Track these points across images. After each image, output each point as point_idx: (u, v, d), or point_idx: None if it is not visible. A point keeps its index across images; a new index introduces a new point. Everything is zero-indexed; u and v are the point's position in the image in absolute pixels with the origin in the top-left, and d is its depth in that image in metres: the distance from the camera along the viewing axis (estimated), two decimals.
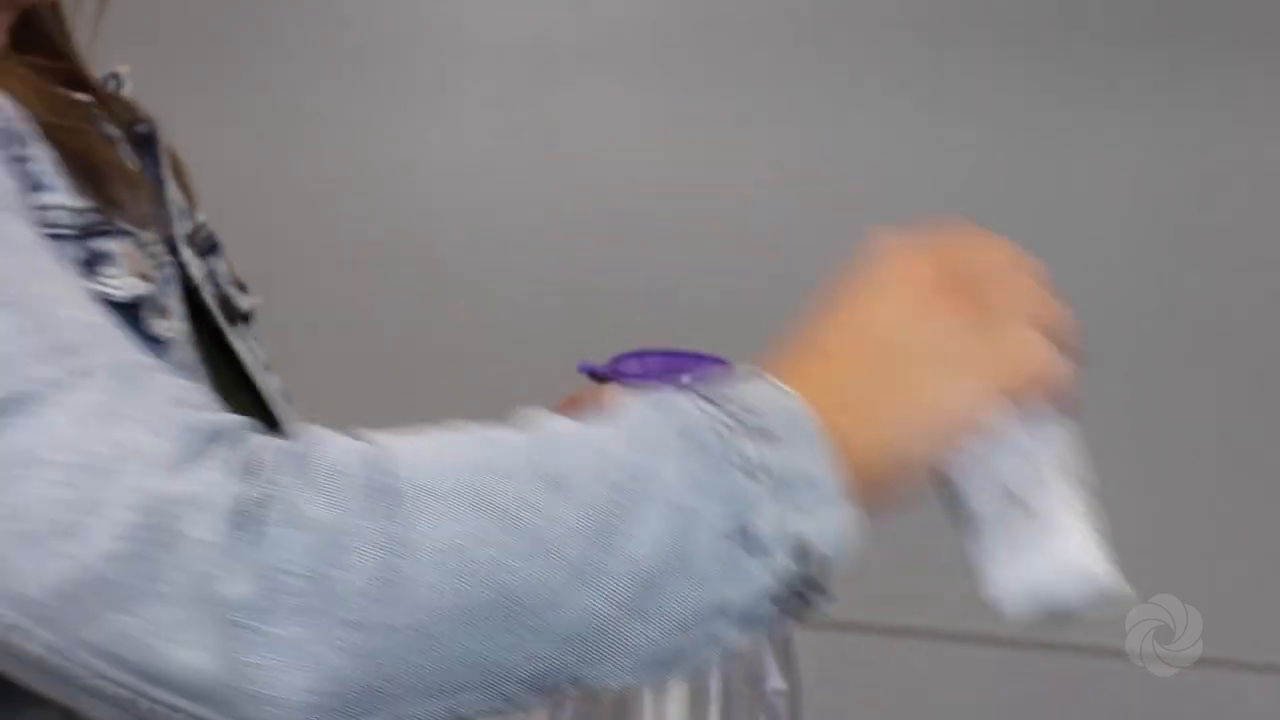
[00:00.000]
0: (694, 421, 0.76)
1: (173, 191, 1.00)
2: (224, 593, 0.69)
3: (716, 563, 0.75)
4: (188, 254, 0.97)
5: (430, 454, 0.75)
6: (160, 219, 0.96)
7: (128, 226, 0.88)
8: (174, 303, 0.91)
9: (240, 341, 1.01)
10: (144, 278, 0.87)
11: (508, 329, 2.28)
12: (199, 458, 0.71)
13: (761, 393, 0.77)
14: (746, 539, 0.75)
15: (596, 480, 0.74)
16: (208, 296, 0.98)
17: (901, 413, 0.80)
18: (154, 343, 0.86)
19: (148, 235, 0.90)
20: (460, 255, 2.34)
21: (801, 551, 0.76)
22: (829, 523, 0.76)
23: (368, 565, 0.70)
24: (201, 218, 1.05)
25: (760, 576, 0.75)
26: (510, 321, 2.29)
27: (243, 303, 1.04)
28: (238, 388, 0.99)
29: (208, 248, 1.04)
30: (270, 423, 0.98)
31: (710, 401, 0.77)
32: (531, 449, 0.75)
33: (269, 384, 1.02)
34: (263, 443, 0.73)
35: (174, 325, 0.89)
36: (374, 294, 2.35)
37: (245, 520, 0.70)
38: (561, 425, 0.77)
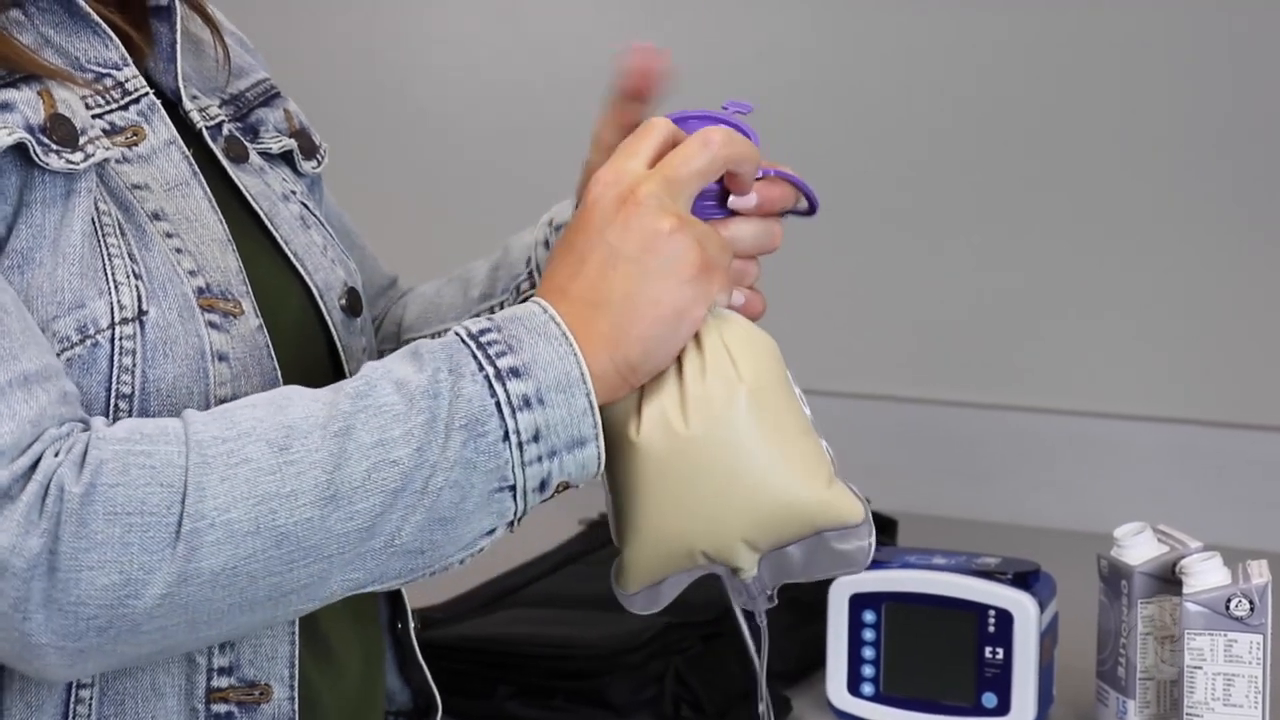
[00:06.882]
0: (477, 410, 0.88)
1: (190, 59, 1.14)
2: (29, 631, 0.85)
3: (471, 519, 0.90)
4: (192, 104, 1.11)
5: (223, 468, 0.86)
6: (167, 74, 1.11)
7: (53, 70, 0.99)
8: (154, 128, 1.04)
9: (250, 176, 1.12)
10: (54, 118, 0.95)
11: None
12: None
13: (542, 355, 0.89)
14: (503, 493, 0.90)
15: (373, 489, 0.87)
16: (209, 140, 1.11)
17: (640, 329, 0.91)
18: (51, 174, 0.95)
19: (121, 75, 1.03)
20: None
21: (547, 484, 0.91)
22: (575, 463, 0.91)
23: (156, 595, 0.85)
24: (257, 76, 1.22)
25: (506, 508, 0.90)
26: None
27: (274, 145, 1.19)
28: (243, 217, 1.10)
29: (261, 101, 1.20)
30: (274, 245, 1.11)
31: (496, 377, 0.88)
32: (322, 462, 0.86)
33: (283, 211, 1.13)
34: (54, 482, 0.85)
35: (100, 152, 0.98)
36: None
37: (45, 572, 0.84)
38: (362, 419, 0.88)
